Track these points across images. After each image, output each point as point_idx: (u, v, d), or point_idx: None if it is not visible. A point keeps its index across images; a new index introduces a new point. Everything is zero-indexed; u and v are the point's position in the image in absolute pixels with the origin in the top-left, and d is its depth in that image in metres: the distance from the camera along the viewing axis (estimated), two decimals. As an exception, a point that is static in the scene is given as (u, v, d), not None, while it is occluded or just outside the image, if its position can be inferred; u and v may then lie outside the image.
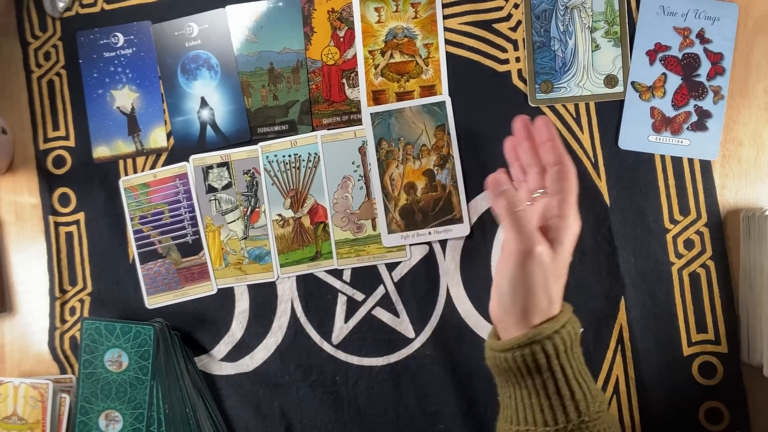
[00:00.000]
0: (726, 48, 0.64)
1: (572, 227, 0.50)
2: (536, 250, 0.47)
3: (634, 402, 0.63)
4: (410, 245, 0.66)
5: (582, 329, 0.51)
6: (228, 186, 0.68)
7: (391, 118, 0.66)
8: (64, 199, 0.70)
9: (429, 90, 0.66)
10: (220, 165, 0.68)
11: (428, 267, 0.66)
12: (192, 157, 0.68)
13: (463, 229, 0.66)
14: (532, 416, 0.48)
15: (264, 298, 0.68)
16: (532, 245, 0.47)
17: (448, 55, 0.67)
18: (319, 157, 0.67)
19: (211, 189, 0.68)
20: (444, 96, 0.66)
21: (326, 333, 0.67)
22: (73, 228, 0.70)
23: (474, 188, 0.66)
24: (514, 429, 0.48)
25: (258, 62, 0.68)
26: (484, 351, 0.51)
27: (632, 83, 0.65)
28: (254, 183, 0.68)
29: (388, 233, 0.66)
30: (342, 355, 0.67)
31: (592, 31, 0.65)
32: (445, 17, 0.67)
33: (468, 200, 0.66)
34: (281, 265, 0.67)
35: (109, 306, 0.69)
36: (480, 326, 0.65)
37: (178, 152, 0.69)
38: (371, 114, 0.66)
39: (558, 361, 0.47)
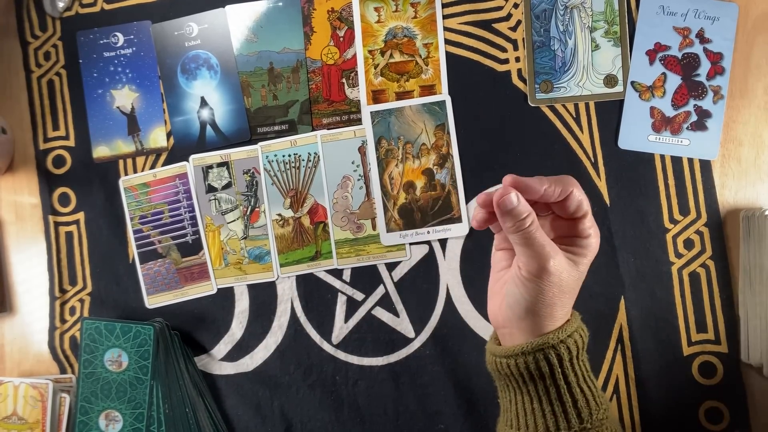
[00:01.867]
0: (726, 48, 0.64)
1: (592, 245, 0.48)
2: (550, 265, 0.45)
3: (634, 402, 0.63)
4: (409, 244, 0.66)
5: (588, 335, 0.50)
6: (228, 186, 0.68)
7: (391, 117, 0.66)
8: (64, 199, 0.70)
9: (429, 90, 0.67)
10: (219, 165, 0.68)
11: (428, 267, 0.66)
12: (192, 157, 0.68)
13: (462, 229, 0.66)
14: (533, 421, 0.47)
15: (264, 297, 0.68)
16: (545, 262, 0.45)
17: (448, 54, 0.67)
18: (318, 156, 0.67)
19: (210, 189, 0.68)
20: (444, 95, 0.66)
21: (326, 333, 0.67)
22: (73, 228, 0.70)
23: (473, 187, 0.66)
24: None
25: (258, 62, 0.68)
26: (485, 354, 0.51)
27: (632, 83, 0.65)
28: (254, 183, 0.68)
29: (387, 232, 0.66)
30: (342, 355, 0.67)
31: (592, 30, 0.65)
32: (444, 17, 0.67)
33: (467, 200, 0.66)
34: (281, 265, 0.67)
35: (109, 306, 0.69)
36: (480, 326, 0.65)
37: (178, 152, 0.69)
38: (371, 112, 0.66)
39: (561, 370, 0.47)
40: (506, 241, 0.51)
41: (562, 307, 0.47)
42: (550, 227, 0.50)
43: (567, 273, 0.47)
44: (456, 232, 0.66)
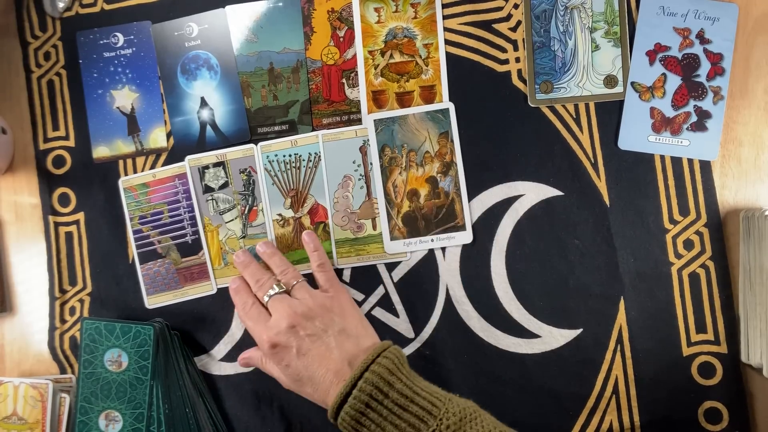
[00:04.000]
0: (726, 48, 0.64)
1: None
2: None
3: (634, 402, 0.63)
4: (412, 252, 0.67)
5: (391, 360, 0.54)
6: (225, 185, 0.68)
7: (394, 125, 0.66)
8: (64, 199, 0.70)
9: (429, 90, 0.67)
10: (216, 165, 0.68)
11: (428, 267, 0.66)
12: (188, 158, 0.68)
13: (465, 237, 0.65)
14: None
15: (264, 298, 0.68)
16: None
17: (448, 55, 0.67)
18: (319, 156, 0.67)
19: (207, 189, 0.68)
20: (447, 103, 0.66)
21: (326, 333, 0.67)
22: (72, 228, 0.70)
23: (473, 189, 0.66)
24: None
25: (258, 62, 0.68)
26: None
27: (632, 83, 0.65)
28: (251, 182, 0.68)
29: (391, 240, 0.66)
30: (342, 355, 0.67)
31: (592, 31, 0.65)
32: (444, 17, 0.67)
33: (470, 207, 0.66)
34: (281, 265, 0.67)
35: (109, 306, 0.69)
36: (480, 327, 0.65)
37: (177, 152, 0.69)
38: (375, 120, 0.66)
39: (366, 418, 0.52)
40: None
41: (315, 381, 0.57)
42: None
43: (281, 379, 0.60)
44: (459, 240, 0.65)
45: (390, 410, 0.51)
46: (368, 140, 0.67)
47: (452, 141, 0.66)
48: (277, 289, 0.61)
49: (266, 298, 0.61)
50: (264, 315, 0.60)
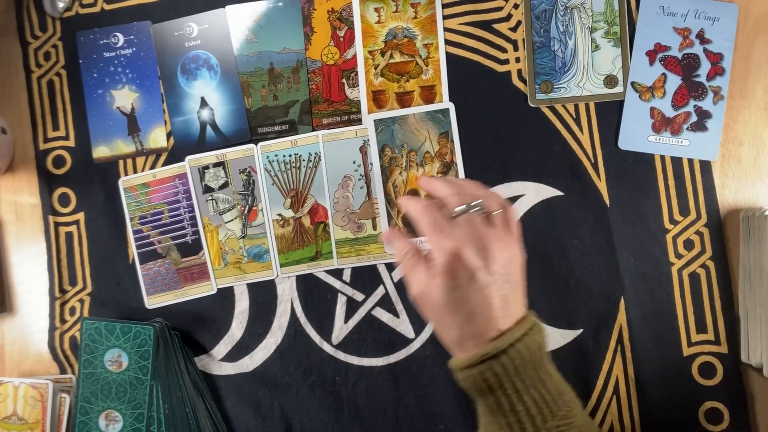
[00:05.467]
0: (726, 48, 0.64)
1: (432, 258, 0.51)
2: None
3: (634, 402, 0.63)
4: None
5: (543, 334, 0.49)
6: (225, 186, 0.68)
7: (394, 125, 0.66)
8: (64, 199, 0.70)
9: (429, 90, 0.67)
10: (216, 165, 0.68)
11: (428, 267, 0.66)
12: (188, 158, 0.68)
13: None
14: None
15: (264, 298, 0.68)
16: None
17: (448, 55, 0.67)
18: (319, 156, 0.67)
19: (207, 189, 0.68)
20: (447, 103, 0.66)
21: (326, 333, 0.67)
22: (73, 228, 0.70)
23: (474, 188, 0.66)
24: None
25: (258, 62, 0.68)
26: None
27: (632, 83, 0.65)
28: (251, 182, 0.68)
29: (391, 238, 0.66)
30: (342, 356, 0.67)
31: (592, 31, 0.65)
32: (444, 17, 0.67)
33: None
34: (281, 265, 0.68)
35: (109, 306, 0.69)
36: (480, 326, 0.65)
37: (177, 152, 0.69)
38: (375, 120, 0.66)
39: (509, 378, 0.47)
40: None
41: (488, 314, 0.47)
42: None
43: (429, 295, 0.49)
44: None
45: (539, 376, 0.47)
46: (368, 140, 0.67)
47: (452, 141, 0.66)
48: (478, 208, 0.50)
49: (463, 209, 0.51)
50: (453, 224, 0.50)
